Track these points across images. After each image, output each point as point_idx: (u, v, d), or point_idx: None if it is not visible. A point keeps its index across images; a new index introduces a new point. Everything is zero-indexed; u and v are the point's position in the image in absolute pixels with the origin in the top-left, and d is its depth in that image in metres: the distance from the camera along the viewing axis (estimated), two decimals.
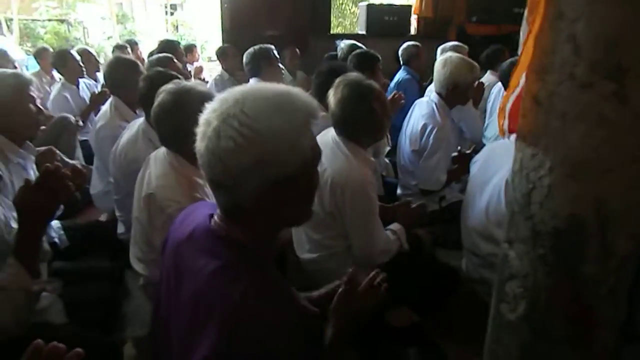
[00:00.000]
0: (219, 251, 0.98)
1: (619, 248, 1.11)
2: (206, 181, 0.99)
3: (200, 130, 0.96)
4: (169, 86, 1.57)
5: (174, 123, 1.52)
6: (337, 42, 4.56)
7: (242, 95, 0.95)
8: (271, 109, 0.91)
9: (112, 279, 2.03)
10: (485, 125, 3.32)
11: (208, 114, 0.96)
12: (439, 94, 2.57)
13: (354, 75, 1.82)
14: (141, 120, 2.14)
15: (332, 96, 1.76)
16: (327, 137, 1.77)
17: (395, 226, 1.90)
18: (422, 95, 3.92)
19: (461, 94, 2.52)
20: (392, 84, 4.11)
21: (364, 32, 5.54)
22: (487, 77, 4.01)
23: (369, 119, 1.71)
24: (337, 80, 1.77)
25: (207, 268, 0.95)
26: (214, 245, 1.00)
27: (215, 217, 1.04)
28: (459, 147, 2.52)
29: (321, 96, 2.50)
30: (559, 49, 1.05)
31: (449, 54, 2.64)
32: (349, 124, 1.74)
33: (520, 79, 1.13)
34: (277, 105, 0.92)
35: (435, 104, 2.54)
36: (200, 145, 0.95)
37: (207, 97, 1.63)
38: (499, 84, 3.68)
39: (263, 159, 0.91)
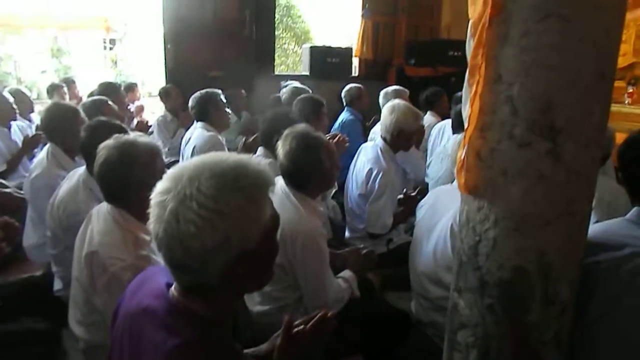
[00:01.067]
0: (178, 327, 0.94)
1: (560, 296, 1.16)
2: (164, 263, 0.95)
3: (154, 212, 0.91)
4: (111, 142, 1.52)
5: (121, 178, 1.46)
6: (283, 83, 4.63)
7: (195, 171, 0.91)
8: (229, 185, 0.89)
9: (48, 342, 1.89)
10: (427, 164, 3.44)
11: (162, 195, 0.91)
12: (384, 138, 2.65)
13: (302, 126, 1.85)
14: (81, 169, 2.05)
15: (280, 147, 1.77)
16: (276, 187, 1.76)
17: (346, 274, 1.90)
18: (365, 135, 4.03)
19: (405, 140, 2.62)
20: (337, 125, 4.19)
21: (307, 73, 5.67)
22: (427, 118, 4.18)
23: (317, 171, 1.73)
24: (286, 132, 1.79)
25: (166, 345, 0.91)
26: (174, 320, 0.95)
27: (174, 290, 1.00)
28: (404, 189, 2.59)
29: (267, 142, 2.51)
30: (498, 110, 1.11)
31: (397, 101, 2.73)
32: (298, 175, 1.74)
33: (469, 137, 1.19)
34: (234, 181, 0.90)
35: (380, 148, 2.62)
36: (157, 228, 0.90)
37: (152, 149, 1.59)
38: (439, 124, 3.84)
39: (227, 239, 0.88)
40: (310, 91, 3.86)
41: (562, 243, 1.14)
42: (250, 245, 0.92)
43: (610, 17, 1.03)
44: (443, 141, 3.48)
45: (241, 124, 4.44)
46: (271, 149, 2.18)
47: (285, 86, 4.22)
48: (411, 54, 5.87)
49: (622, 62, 5.54)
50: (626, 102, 5.00)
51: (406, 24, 6.07)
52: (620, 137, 4.63)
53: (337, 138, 2.81)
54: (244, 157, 0.98)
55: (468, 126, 1.17)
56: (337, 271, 1.97)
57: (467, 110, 1.19)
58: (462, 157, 1.22)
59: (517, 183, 1.10)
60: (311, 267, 1.70)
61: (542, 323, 1.18)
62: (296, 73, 6.38)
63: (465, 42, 1.21)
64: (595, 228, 1.31)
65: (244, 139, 3.22)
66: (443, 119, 3.96)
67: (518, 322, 1.18)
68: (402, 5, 6.02)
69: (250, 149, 2.90)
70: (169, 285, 1.02)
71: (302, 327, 1.23)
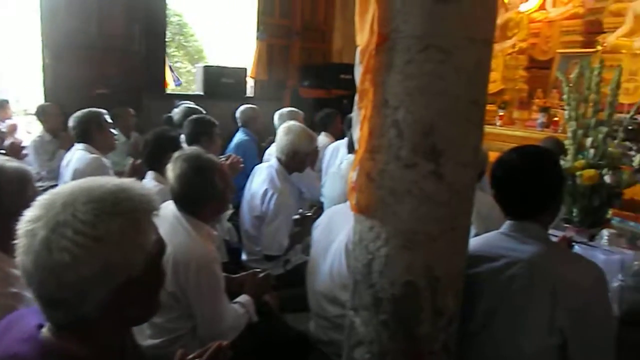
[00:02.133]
0: None
1: (448, 307, 1.24)
2: (35, 299, 0.85)
3: (22, 243, 0.82)
4: None
5: None
6: (176, 102, 4.48)
7: (70, 197, 0.84)
8: (107, 210, 0.82)
9: None
10: (322, 183, 3.51)
11: (30, 224, 0.82)
12: (278, 159, 2.66)
13: (192, 149, 1.79)
14: None
15: (170, 171, 1.69)
16: (167, 212, 1.68)
17: (243, 298, 1.86)
18: (261, 156, 4.02)
19: (300, 161, 2.65)
20: (232, 145, 4.14)
21: (201, 93, 5.55)
22: (322, 139, 4.28)
23: (210, 194, 1.68)
24: (176, 155, 1.72)
25: None
26: None
27: (46, 330, 0.89)
28: (300, 209, 2.62)
29: (152, 165, 2.40)
30: (386, 133, 1.17)
31: (292, 122, 2.77)
32: (189, 199, 1.68)
33: (359, 159, 1.23)
34: (113, 205, 0.83)
35: (275, 169, 2.62)
36: (25, 260, 0.80)
37: (22, 175, 1.44)
38: (333, 144, 3.96)
39: (106, 267, 0.81)
40: (204, 111, 3.77)
41: (448, 257, 1.22)
42: (133, 272, 0.86)
43: (481, 49, 1.14)
44: (337, 161, 3.58)
45: (130, 145, 4.21)
46: (161, 172, 2.08)
47: (178, 106, 4.09)
48: (305, 76, 6.00)
49: (493, 88, 6.13)
50: (497, 124, 5.53)
51: (300, 47, 6.22)
52: (493, 156, 5.08)
53: (231, 159, 2.77)
54: (125, 181, 0.92)
55: (358, 148, 1.21)
56: (234, 296, 1.92)
57: (357, 133, 1.23)
58: (354, 178, 1.26)
59: (405, 202, 1.16)
60: (205, 294, 1.63)
61: (431, 334, 1.24)
62: (190, 92, 6.22)
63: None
64: (474, 241, 1.42)
65: (132, 161, 3.04)
66: (337, 139, 4.08)
67: (410, 335, 1.23)
68: (296, 29, 6.17)
69: (137, 171, 2.75)
70: (40, 327, 0.91)
71: None
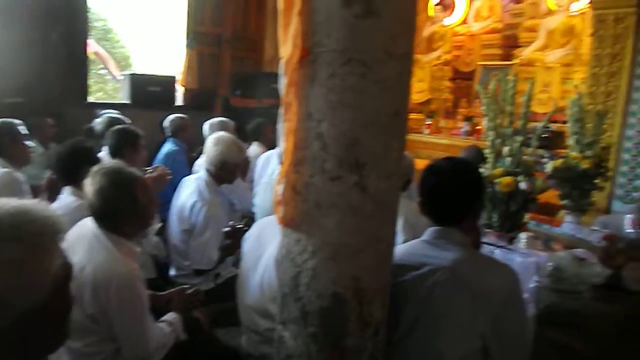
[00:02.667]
0: None
1: (374, 318, 1.25)
2: None
3: None
4: None
5: None
6: (99, 112, 4.26)
7: None
8: (4, 234, 0.77)
9: None
10: (254, 194, 3.47)
11: None
12: (207, 170, 2.60)
13: (112, 162, 1.71)
14: None
15: (88, 185, 1.60)
16: (85, 230, 1.59)
17: (170, 316, 1.79)
18: (191, 167, 3.92)
19: (229, 172, 2.60)
20: (160, 156, 4.00)
21: (127, 102, 5.33)
22: (253, 149, 4.25)
23: (131, 209, 1.60)
24: (94, 169, 1.62)
25: None
26: None
27: None
28: (230, 222, 2.57)
29: (68, 180, 2.27)
30: (310, 145, 1.17)
31: (222, 133, 2.72)
32: (109, 215, 1.59)
33: (285, 172, 1.22)
34: (11, 228, 0.78)
35: (204, 181, 2.56)
36: None
37: None
38: (265, 154, 3.92)
39: (4, 296, 0.76)
40: (129, 121, 3.63)
41: (373, 268, 1.23)
42: (38, 299, 0.80)
43: (401, 63, 1.17)
44: (269, 171, 3.55)
45: (48, 157, 3.96)
46: (79, 187, 1.96)
47: (100, 115, 3.90)
48: (237, 85, 5.93)
49: (420, 98, 6.37)
50: (425, 132, 5.73)
51: (231, 55, 6.14)
52: (421, 163, 5.24)
53: (158, 171, 2.67)
54: (27, 202, 0.85)
55: (284, 161, 1.20)
56: (161, 314, 1.85)
57: (283, 145, 1.23)
58: (280, 191, 1.25)
59: (330, 215, 1.17)
60: (128, 314, 1.56)
61: (359, 345, 1.25)
62: (115, 101, 5.96)
63: None
64: (399, 249, 1.45)
65: (49, 175, 2.85)
66: (269, 149, 4.05)
67: (338, 347, 1.23)
68: (226, 38, 6.09)
69: (54, 186, 2.58)
70: None
71: None
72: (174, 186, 2.88)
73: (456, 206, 1.41)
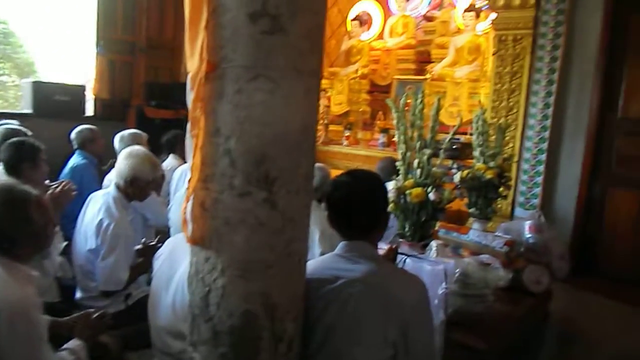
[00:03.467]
0: None
1: (286, 333, 1.24)
2: None
3: None
4: None
5: None
6: None
7: None
8: None
9: None
10: (169, 208, 3.34)
11: None
12: (117, 186, 2.47)
13: (3, 180, 1.58)
14: None
15: None
16: None
17: (72, 344, 1.66)
18: (101, 181, 3.71)
19: (140, 189, 2.47)
20: (67, 170, 3.75)
21: (30, 111, 4.96)
22: (169, 162, 4.10)
23: (26, 231, 1.48)
24: None
25: None
26: None
27: None
28: (143, 239, 2.46)
29: None
30: (218, 161, 1.15)
31: (136, 147, 2.59)
32: (1, 238, 1.46)
33: (192, 189, 1.19)
34: None
35: (113, 197, 2.42)
36: None
37: None
38: (181, 167, 3.80)
39: None
40: (30, 133, 3.38)
41: (284, 283, 1.23)
42: None
43: (309, 79, 1.18)
44: (185, 184, 3.45)
45: None
46: None
47: None
48: (152, 95, 5.73)
49: (339, 110, 6.50)
50: (344, 143, 5.85)
51: (145, 64, 5.93)
52: (338, 173, 5.32)
53: (62, 186, 2.51)
54: None
55: (191, 177, 1.17)
56: (65, 341, 1.72)
57: (190, 161, 1.20)
58: (188, 209, 1.21)
59: (239, 231, 1.15)
60: (23, 345, 1.43)
61: None
62: (16, 111, 5.52)
63: None
64: (313, 264, 1.46)
65: None
66: (185, 161, 3.94)
67: None
68: (140, 46, 5.87)
69: None
70: None
71: None
72: (82, 201, 2.71)
73: (362, 221, 1.44)
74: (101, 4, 5.50)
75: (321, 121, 5.89)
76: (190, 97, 1.18)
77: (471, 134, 4.23)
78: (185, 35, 1.19)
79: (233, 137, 1.13)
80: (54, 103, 5.05)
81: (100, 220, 2.34)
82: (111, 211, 2.37)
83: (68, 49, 6.13)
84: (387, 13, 7.39)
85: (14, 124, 3.73)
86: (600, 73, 3.92)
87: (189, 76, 1.18)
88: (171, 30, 6.14)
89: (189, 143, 1.22)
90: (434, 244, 2.28)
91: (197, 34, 1.14)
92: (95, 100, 5.57)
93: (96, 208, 2.41)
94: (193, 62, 1.16)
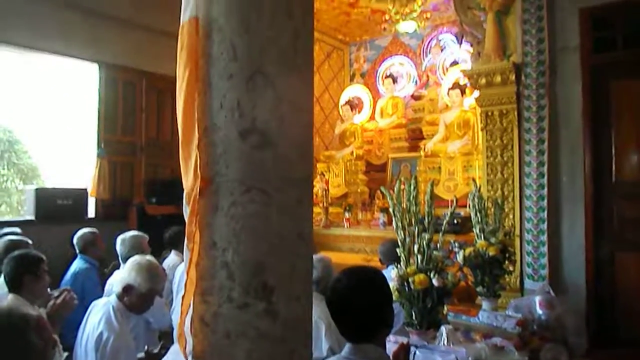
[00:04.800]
0: None
1: None
2: None
3: None
4: None
5: None
6: None
7: None
8: None
9: None
10: (172, 309, 3.29)
11: None
12: (118, 295, 2.44)
13: (2, 303, 1.57)
14: None
15: None
16: None
17: None
18: (103, 284, 3.68)
19: (136, 299, 2.41)
20: (68, 276, 3.73)
21: (32, 218, 5.02)
22: (171, 258, 4.10)
23: (25, 357, 1.46)
24: None
25: None
26: None
27: None
28: (146, 346, 2.39)
29: None
30: (216, 274, 1.15)
31: (142, 258, 2.54)
32: None
33: (190, 302, 1.18)
34: None
35: (113, 306, 2.37)
36: None
37: None
38: (183, 264, 3.77)
39: None
40: (30, 242, 3.40)
41: None
42: None
43: (301, 187, 1.21)
44: None
45: None
46: None
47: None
48: (152, 193, 5.83)
49: (337, 192, 6.58)
50: (345, 226, 5.86)
51: (145, 163, 6.09)
52: (343, 257, 5.28)
53: (63, 296, 2.48)
54: None
55: (186, 293, 1.17)
56: None
57: (185, 275, 1.20)
58: (187, 323, 1.20)
59: (240, 345, 1.13)
60: None
61: None
62: (18, 218, 5.59)
63: None
64: None
65: None
66: None
67: None
68: (140, 145, 6.07)
69: None
70: None
71: None
72: (84, 308, 2.67)
73: (365, 325, 1.42)
74: (102, 108, 5.75)
75: (321, 204, 5.94)
76: (186, 211, 1.21)
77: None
78: (180, 155, 1.24)
79: (230, 249, 1.14)
80: (56, 208, 5.12)
81: (100, 333, 2.28)
82: (111, 323, 2.32)
83: (70, 152, 6.31)
84: (376, 95, 7.71)
85: (16, 233, 3.77)
86: (589, 139, 4.02)
87: (185, 192, 1.22)
88: (169, 129, 6.37)
89: (187, 255, 1.23)
90: (444, 329, 2.22)
91: (191, 153, 1.19)
92: (97, 201, 5.65)
93: (97, 319, 2.36)
94: (188, 179, 1.20)
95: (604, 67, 4.06)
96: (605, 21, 4.07)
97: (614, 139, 4.04)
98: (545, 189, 4.05)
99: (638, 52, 3.93)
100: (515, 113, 4.22)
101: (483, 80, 4.29)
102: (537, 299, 2.68)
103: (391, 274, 2.17)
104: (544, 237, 4.01)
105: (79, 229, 4.18)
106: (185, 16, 1.22)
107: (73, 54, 5.44)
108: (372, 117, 7.42)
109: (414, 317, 2.16)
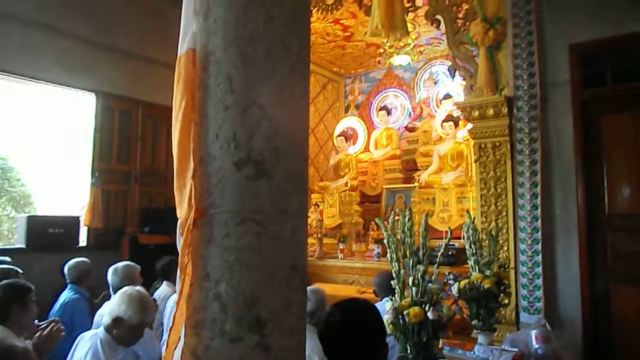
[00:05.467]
0: None
1: None
2: None
3: None
4: None
5: None
6: None
7: None
8: None
9: None
10: (162, 341, 3.22)
11: None
12: (106, 327, 2.38)
13: None
14: None
15: None
16: None
17: None
18: (93, 315, 3.60)
19: (125, 331, 2.36)
20: (57, 306, 3.66)
21: (23, 246, 4.96)
22: (163, 289, 4.03)
23: None
24: None
25: None
26: None
27: None
28: None
29: None
30: (209, 307, 1.14)
31: (132, 289, 2.50)
32: None
33: (179, 335, 1.16)
34: None
35: (101, 339, 2.32)
36: None
37: None
38: (174, 296, 3.72)
39: None
40: (20, 270, 3.35)
41: None
42: None
43: (295, 219, 1.21)
44: None
45: None
46: None
47: None
48: (145, 222, 5.79)
49: (332, 223, 6.56)
50: (339, 257, 5.82)
51: (140, 191, 6.07)
52: (337, 289, 5.23)
53: (50, 327, 2.43)
54: None
55: (174, 326, 1.15)
56: None
57: (176, 307, 1.18)
58: (176, 357, 1.17)
59: None
60: None
61: None
62: (9, 246, 5.52)
63: None
64: None
65: None
66: None
67: None
68: (135, 174, 6.05)
69: None
70: None
71: None
72: (73, 339, 2.61)
73: (361, 358, 1.40)
74: (98, 136, 5.75)
75: (315, 235, 5.91)
76: (180, 242, 1.20)
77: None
78: (175, 184, 1.23)
79: (223, 281, 1.13)
80: (48, 236, 5.07)
81: None
82: (98, 356, 2.26)
83: (64, 180, 6.29)
84: (371, 127, 7.79)
85: (6, 261, 3.71)
86: (581, 172, 4.06)
87: (179, 222, 1.21)
88: (164, 157, 6.37)
89: (178, 286, 1.22)
90: None
91: (185, 183, 1.19)
92: (89, 230, 5.60)
93: (83, 352, 2.30)
94: (182, 209, 1.20)
95: (594, 102, 4.13)
96: (594, 57, 4.16)
97: (606, 172, 4.07)
98: (539, 221, 4.05)
99: (626, 87, 4.01)
100: (508, 145, 4.26)
101: (476, 113, 4.35)
102: (533, 332, 2.65)
103: (385, 306, 2.14)
104: (539, 269, 4.00)
105: (70, 258, 4.12)
106: (182, 48, 1.24)
107: (70, 83, 5.48)
108: (366, 149, 7.47)
109: (409, 351, 2.12)
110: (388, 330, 2.04)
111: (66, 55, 5.37)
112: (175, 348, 1.18)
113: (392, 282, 2.31)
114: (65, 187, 6.26)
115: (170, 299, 3.67)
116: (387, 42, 6.31)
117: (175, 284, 4.02)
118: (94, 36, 5.59)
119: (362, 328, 1.43)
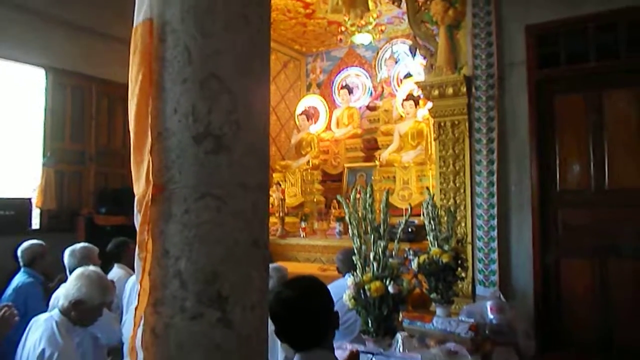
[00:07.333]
0: None
1: None
2: None
3: None
4: None
5: None
6: None
7: None
8: None
9: None
10: (122, 323, 3.16)
11: None
12: (61, 308, 2.31)
13: None
14: None
15: None
16: None
17: None
18: (48, 299, 3.50)
19: (83, 313, 2.31)
20: (9, 290, 3.51)
21: None
22: (116, 272, 3.88)
23: None
24: None
25: None
26: None
27: None
28: None
29: None
30: (169, 284, 1.12)
31: (90, 268, 2.45)
32: None
33: (142, 314, 1.14)
34: None
35: (56, 321, 2.24)
36: None
37: None
38: (132, 277, 3.63)
39: None
40: None
41: None
42: None
43: (256, 194, 1.20)
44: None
45: None
46: None
47: None
48: (102, 203, 5.63)
49: (294, 202, 6.57)
50: (301, 235, 5.84)
51: (95, 172, 5.88)
52: (300, 267, 5.26)
53: (2, 312, 2.34)
54: None
55: (139, 304, 1.13)
56: None
57: (138, 285, 1.16)
58: (138, 335, 1.15)
59: (194, 356, 1.10)
60: None
61: None
62: None
63: None
64: None
65: None
66: (133, 270, 3.78)
67: None
68: (90, 154, 5.85)
69: None
70: None
71: None
72: (27, 324, 2.53)
73: (310, 332, 1.42)
74: (49, 115, 5.51)
75: (277, 214, 5.91)
76: (137, 219, 1.17)
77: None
78: (132, 160, 1.20)
79: (183, 258, 1.11)
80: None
81: (42, 350, 2.15)
82: (54, 339, 2.19)
83: (14, 161, 6.02)
84: (332, 106, 7.78)
85: None
86: (535, 150, 4.19)
87: (136, 199, 1.18)
88: (121, 137, 6.18)
89: (138, 266, 1.19)
90: (399, 336, 2.24)
91: (143, 158, 1.15)
92: (42, 212, 5.40)
93: (38, 335, 2.23)
94: (140, 185, 1.16)
95: (549, 82, 4.25)
96: (550, 38, 4.27)
97: (558, 150, 4.22)
98: (495, 198, 4.18)
99: (579, 68, 4.14)
100: (467, 124, 4.35)
101: (436, 92, 4.41)
102: (489, 304, 2.75)
103: (347, 282, 2.17)
104: (494, 244, 4.14)
105: (23, 240, 3.97)
106: (138, 18, 1.19)
107: (18, 57, 5.20)
108: (328, 127, 7.47)
109: (370, 325, 2.16)
110: (350, 305, 2.08)
111: (14, 28, 5.08)
112: (139, 327, 1.16)
113: (353, 257, 2.34)
114: (16, 168, 5.99)
115: (129, 280, 3.60)
116: (348, 20, 6.26)
117: (126, 266, 3.96)
118: (45, 7, 5.30)
119: (317, 298, 1.45)
